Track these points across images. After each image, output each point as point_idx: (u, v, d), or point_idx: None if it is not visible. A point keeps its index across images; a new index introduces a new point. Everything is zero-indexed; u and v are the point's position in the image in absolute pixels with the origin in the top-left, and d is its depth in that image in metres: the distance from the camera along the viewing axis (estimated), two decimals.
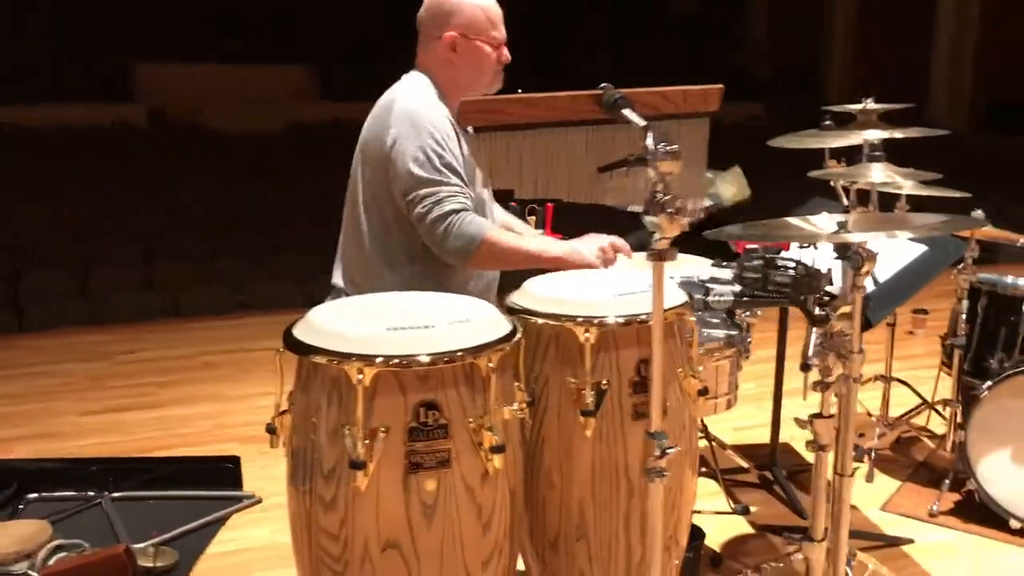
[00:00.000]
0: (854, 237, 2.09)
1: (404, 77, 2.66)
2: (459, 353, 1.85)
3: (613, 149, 1.84)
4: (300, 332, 1.97)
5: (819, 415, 2.22)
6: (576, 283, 2.30)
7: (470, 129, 2.30)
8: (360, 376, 1.79)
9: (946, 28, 14.60)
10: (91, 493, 3.59)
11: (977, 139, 13.30)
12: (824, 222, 2.16)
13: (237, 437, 4.40)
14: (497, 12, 2.62)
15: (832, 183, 3.05)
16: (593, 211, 2.31)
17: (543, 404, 2.15)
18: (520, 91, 2.23)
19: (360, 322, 1.95)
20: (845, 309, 2.14)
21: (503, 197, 2.46)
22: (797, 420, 2.24)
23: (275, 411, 1.99)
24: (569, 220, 3.08)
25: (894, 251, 3.15)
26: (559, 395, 2.13)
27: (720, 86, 1.93)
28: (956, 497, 3.70)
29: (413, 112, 2.47)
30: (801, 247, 3.12)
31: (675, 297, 2.19)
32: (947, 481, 3.71)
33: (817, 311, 2.16)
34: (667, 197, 1.65)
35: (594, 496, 2.14)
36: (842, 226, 2.13)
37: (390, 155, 2.45)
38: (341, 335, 1.88)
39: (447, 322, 1.92)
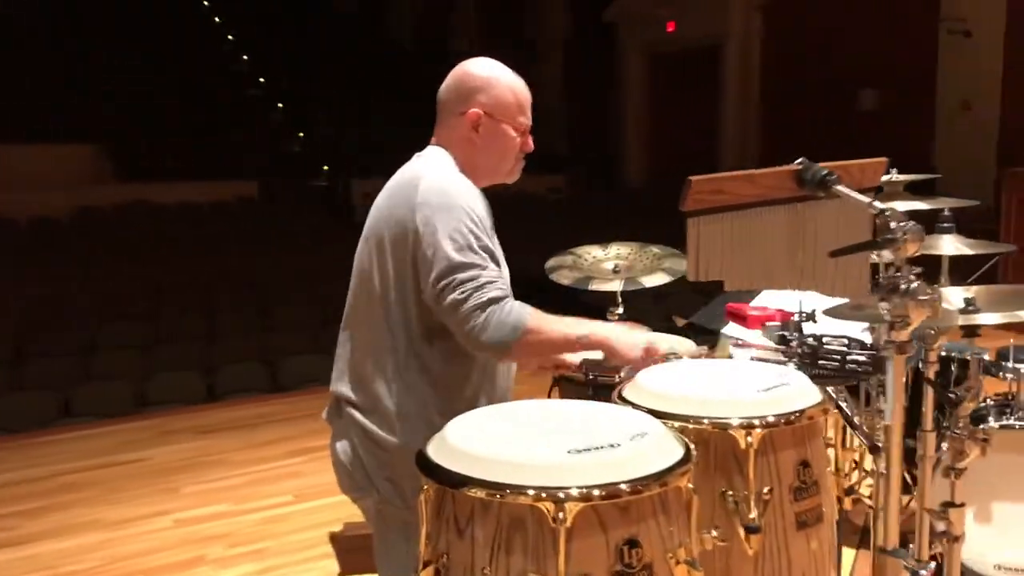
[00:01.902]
0: (985, 317, 1.98)
1: (421, 153, 2.35)
2: (661, 476, 1.56)
3: (804, 229, 1.63)
4: (447, 460, 1.60)
5: (952, 504, 2.06)
6: (702, 378, 2.05)
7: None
8: (560, 515, 1.46)
9: (731, 101, 15.58)
10: None
11: None
12: (951, 298, 2.04)
13: (137, 570, 3.78)
14: (527, 96, 2.37)
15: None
16: None
17: None
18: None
19: (528, 444, 1.61)
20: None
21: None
22: (929, 511, 2.08)
23: (418, 563, 1.61)
24: None
25: None
26: (711, 509, 1.86)
27: (884, 159, 1.77)
28: None
29: (444, 189, 2.16)
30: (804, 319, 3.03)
31: (815, 394, 1.98)
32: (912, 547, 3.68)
33: (952, 393, 2.01)
34: (915, 283, 1.45)
35: None
36: (970, 303, 2.01)
37: (419, 237, 2.13)
38: (515, 463, 1.54)
39: (627, 438, 1.62)
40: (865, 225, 1.73)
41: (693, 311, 4.13)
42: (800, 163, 1.63)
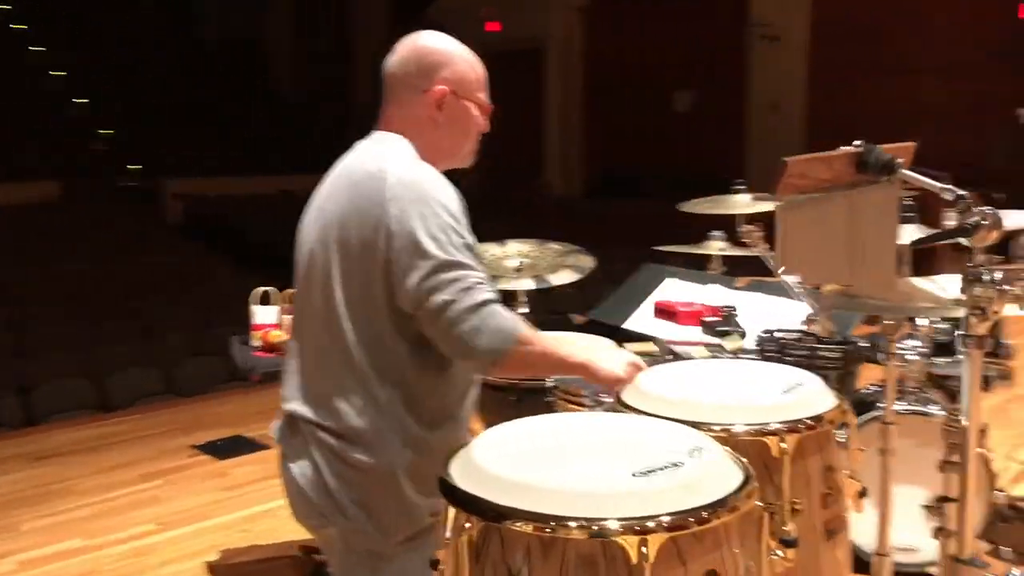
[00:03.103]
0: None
1: (374, 140, 2.08)
2: (736, 497, 1.39)
3: (855, 218, 1.49)
4: (485, 489, 1.36)
5: (948, 498, 1.99)
6: (713, 380, 1.90)
7: None
8: (644, 549, 1.26)
9: (554, 103, 15.80)
10: None
11: (589, 204, 14.58)
12: (951, 286, 1.97)
13: None
14: (485, 73, 2.18)
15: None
16: None
17: None
18: None
19: (582, 467, 1.40)
20: None
21: None
22: (926, 507, 2.00)
23: None
24: None
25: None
26: (740, 523, 1.70)
27: (912, 144, 1.67)
28: None
29: (417, 183, 1.93)
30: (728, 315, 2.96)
31: (830, 395, 1.87)
32: None
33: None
34: (1000, 272, 1.35)
35: None
36: None
37: (394, 237, 1.88)
38: (576, 491, 1.32)
39: (685, 454, 1.44)
40: (894, 213, 1.62)
41: (585, 306, 4.01)
42: (859, 145, 1.49)
